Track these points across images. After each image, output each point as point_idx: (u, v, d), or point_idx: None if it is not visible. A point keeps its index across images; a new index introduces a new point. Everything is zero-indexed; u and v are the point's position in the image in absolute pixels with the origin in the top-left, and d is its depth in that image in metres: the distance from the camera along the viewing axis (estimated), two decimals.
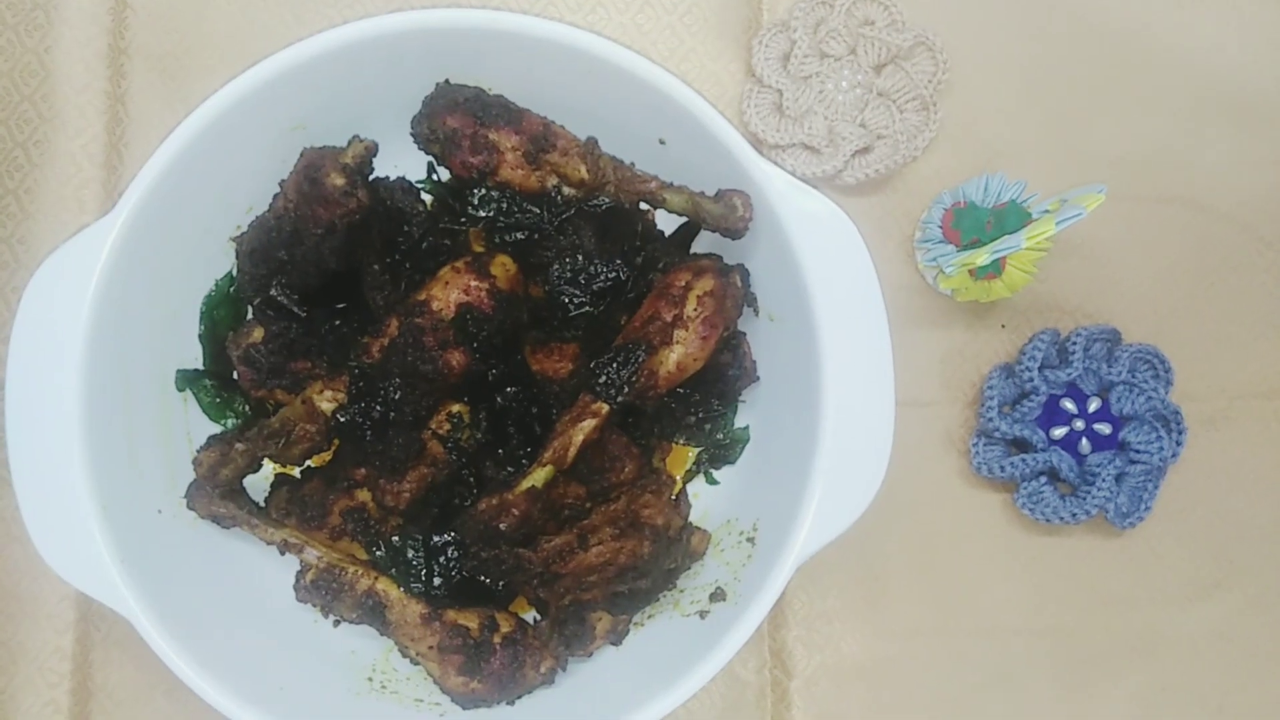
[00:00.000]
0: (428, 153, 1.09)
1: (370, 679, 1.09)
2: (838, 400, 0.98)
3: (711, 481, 1.16)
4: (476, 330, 0.99)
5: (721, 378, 1.10)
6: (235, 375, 1.13)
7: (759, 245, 1.06)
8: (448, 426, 1.04)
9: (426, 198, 1.15)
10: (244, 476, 1.07)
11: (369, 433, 1.00)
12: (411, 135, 1.09)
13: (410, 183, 1.13)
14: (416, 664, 1.06)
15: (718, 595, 1.04)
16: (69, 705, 1.16)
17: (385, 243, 1.10)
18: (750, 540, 1.06)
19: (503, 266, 1.03)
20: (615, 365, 1.01)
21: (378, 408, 1.00)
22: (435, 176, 1.17)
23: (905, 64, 1.23)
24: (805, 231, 1.00)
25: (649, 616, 1.10)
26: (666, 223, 1.15)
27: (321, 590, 1.04)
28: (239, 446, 1.03)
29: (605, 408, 1.01)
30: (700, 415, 1.12)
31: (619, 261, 1.07)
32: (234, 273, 1.13)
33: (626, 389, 1.01)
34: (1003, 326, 1.24)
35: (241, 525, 1.07)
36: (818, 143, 1.22)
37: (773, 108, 1.23)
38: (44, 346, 0.99)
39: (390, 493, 1.03)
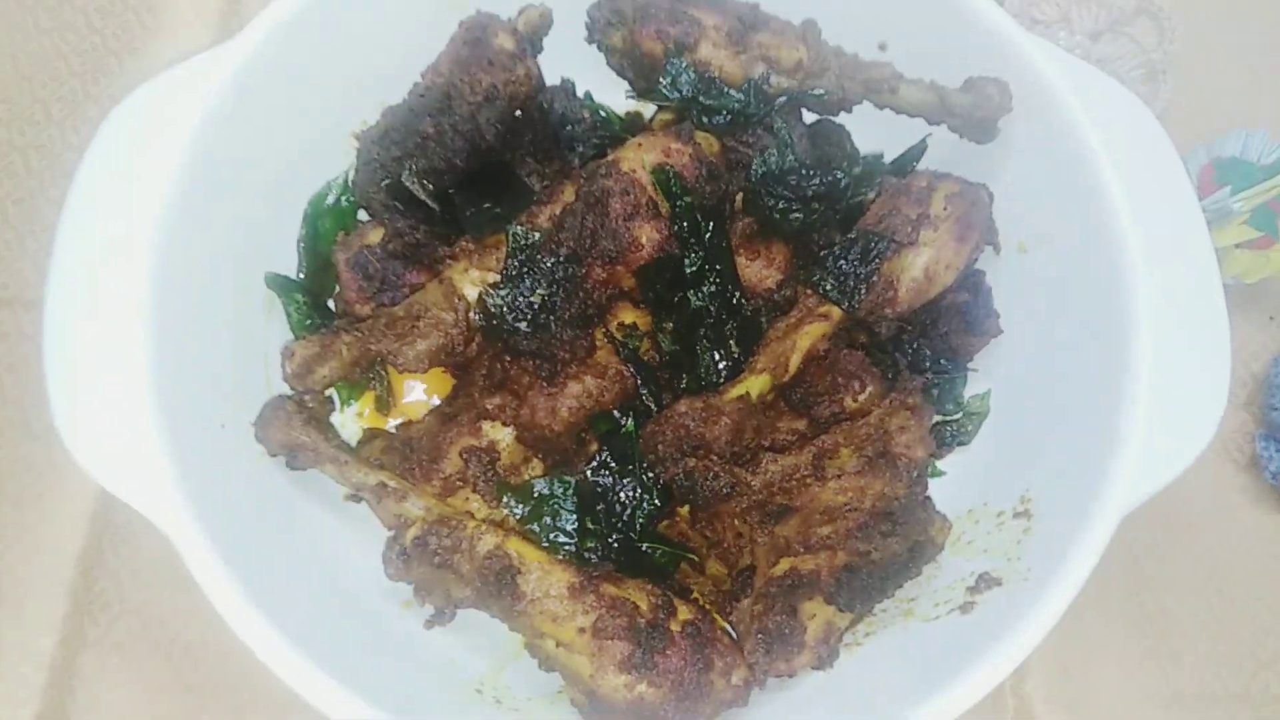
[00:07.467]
0: (604, 45, 0.91)
1: (480, 690, 0.77)
2: (1155, 319, 0.74)
3: (935, 474, 0.88)
4: (679, 193, 0.77)
5: (963, 321, 0.86)
6: (334, 296, 0.90)
7: (1012, 156, 0.86)
8: (620, 337, 0.79)
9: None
10: (343, 380, 0.81)
11: (526, 324, 0.75)
12: (588, 22, 0.91)
13: (574, 86, 0.95)
14: (550, 669, 0.74)
15: (986, 582, 0.75)
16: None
17: (544, 140, 0.90)
18: (1023, 514, 0.78)
19: (706, 139, 0.82)
20: (851, 258, 0.78)
21: (540, 290, 0.75)
22: (601, 112, 0.98)
23: (1127, 30, 1.08)
24: (1100, 123, 0.79)
25: (866, 635, 0.80)
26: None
27: (429, 550, 0.74)
28: (346, 338, 0.77)
29: (836, 311, 0.77)
30: (927, 374, 0.87)
31: (833, 167, 0.86)
32: (350, 179, 0.92)
33: (864, 290, 0.77)
34: (1271, 319, 1.01)
35: (324, 464, 0.79)
36: None
37: None
38: (122, 177, 0.77)
39: (544, 410, 0.76)
